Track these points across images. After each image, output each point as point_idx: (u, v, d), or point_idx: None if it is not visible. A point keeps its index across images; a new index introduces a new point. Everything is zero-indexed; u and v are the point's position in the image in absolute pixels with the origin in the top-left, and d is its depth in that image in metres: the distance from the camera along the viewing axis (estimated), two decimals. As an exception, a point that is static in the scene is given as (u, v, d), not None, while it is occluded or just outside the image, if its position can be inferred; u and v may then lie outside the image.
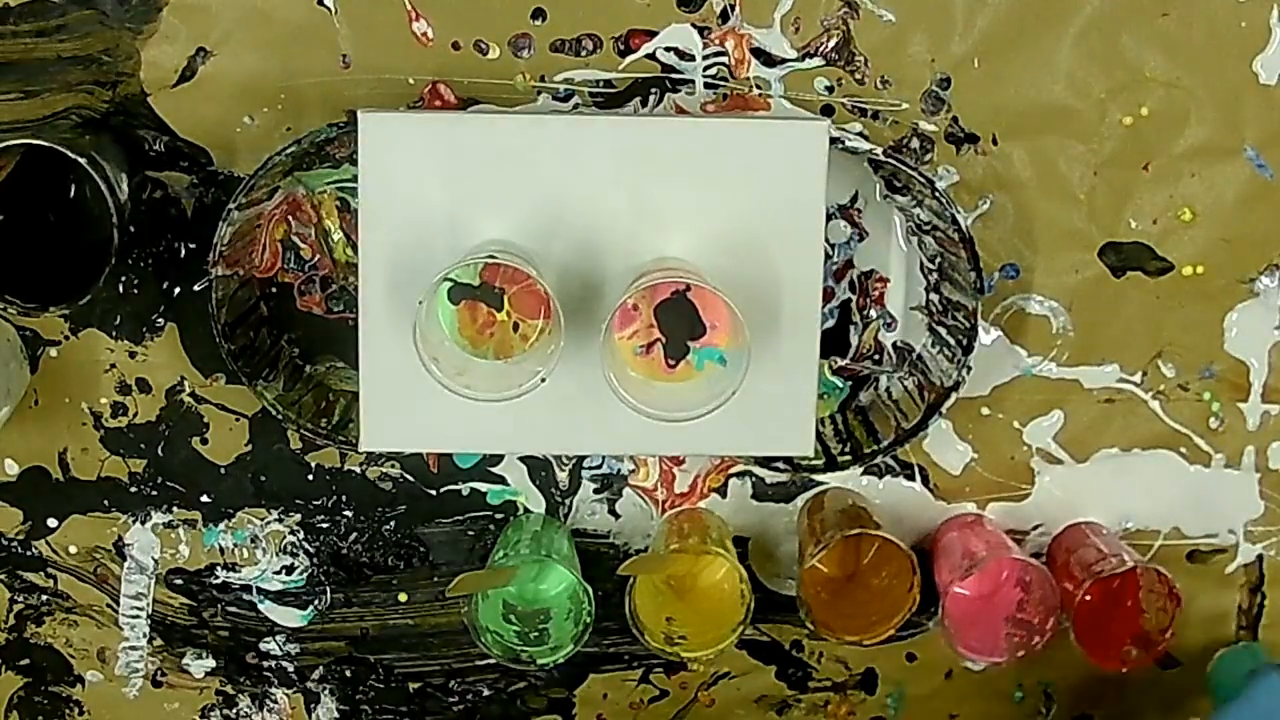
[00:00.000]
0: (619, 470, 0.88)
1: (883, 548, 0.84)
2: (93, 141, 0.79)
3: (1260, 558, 0.90)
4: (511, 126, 0.77)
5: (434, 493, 0.88)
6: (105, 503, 0.87)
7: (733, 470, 0.88)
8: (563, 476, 0.88)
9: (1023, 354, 0.86)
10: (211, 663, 0.91)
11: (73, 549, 0.88)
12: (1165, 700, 0.92)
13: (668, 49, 0.81)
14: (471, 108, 0.81)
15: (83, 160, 0.74)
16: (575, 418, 0.80)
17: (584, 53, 0.81)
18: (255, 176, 0.78)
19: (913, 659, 0.91)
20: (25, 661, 0.91)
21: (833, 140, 0.78)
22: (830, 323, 0.86)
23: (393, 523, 0.89)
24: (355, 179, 0.78)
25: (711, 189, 0.77)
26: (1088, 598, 0.84)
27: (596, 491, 0.88)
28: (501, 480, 0.88)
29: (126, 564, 0.89)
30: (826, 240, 0.82)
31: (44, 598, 0.89)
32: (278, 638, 0.90)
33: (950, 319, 0.83)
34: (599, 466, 0.88)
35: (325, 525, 0.88)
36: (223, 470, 0.87)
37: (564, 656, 0.81)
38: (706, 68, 0.82)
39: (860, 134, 0.82)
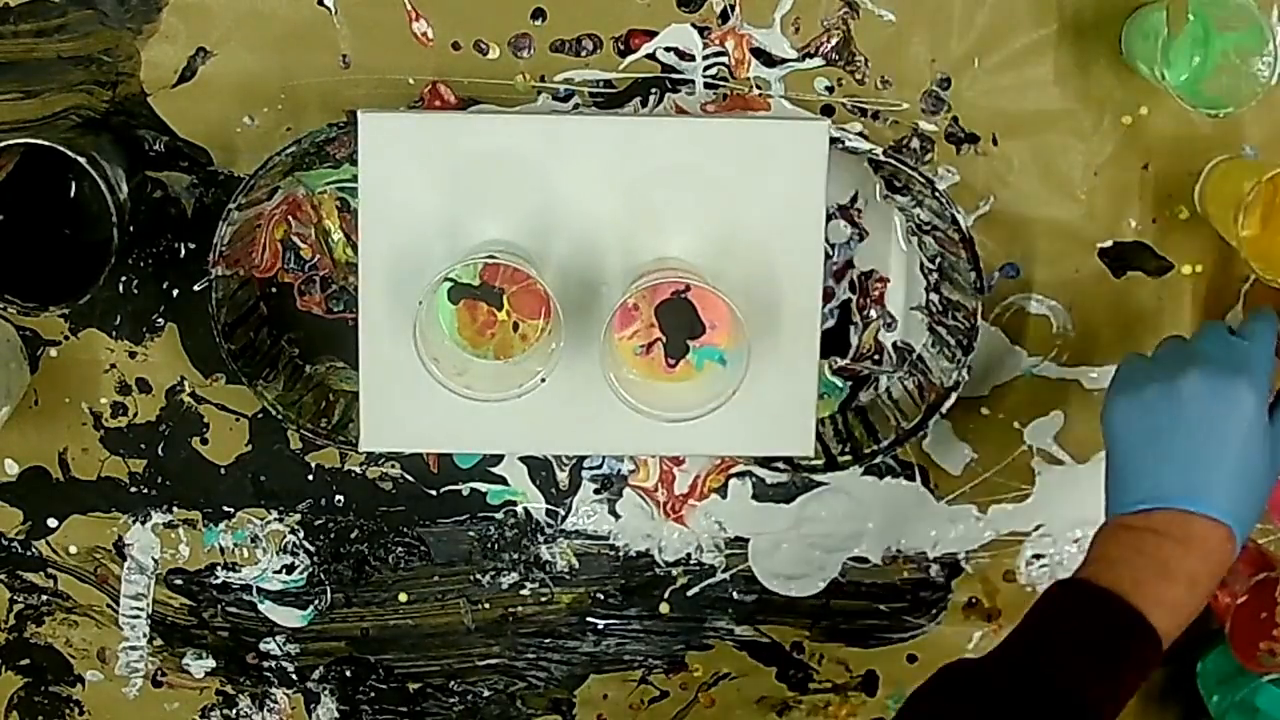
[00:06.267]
0: (619, 470, 0.88)
1: None
2: (93, 141, 0.79)
3: (1260, 558, 0.90)
4: (511, 126, 0.77)
5: (434, 493, 0.88)
6: (105, 503, 0.88)
7: (733, 470, 0.88)
8: (563, 476, 0.88)
9: (1023, 354, 0.86)
10: (211, 663, 0.91)
11: (73, 549, 0.88)
12: (1163, 698, 0.92)
13: (668, 49, 0.81)
14: (471, 108, 0.81)
15: (83, 160, 0.74)
16: (575, 418, 0.80)
17: (584, 53, 0.81)
18: (255, 176, 0.78)
19: (914, 660, 0.91)
20: (25, 661, 0.91)
21: (833, 140, 0.78)
22: (830, 323, 0.86)
23: (393, 522, 0.89)
24: (355, 179, 0.78)
25: (711, 189, 0.77)
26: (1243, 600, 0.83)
27: (596, 492, 0.88)
28: (501, 480, 0.88)
29: (126, 564, 0.89)
30: (826, 240, 0.82)
31: (44, 598, 0.89)
32: (278, 638, 0.90)
33: (950, 319, 0.83)
34: (599, 466, 0.88)
35: (325, 525, 0.88)
36: (223, 470, 0.87)
37: None
38: (706, 68, 0.82)
39: (860, 134, 0.82)
